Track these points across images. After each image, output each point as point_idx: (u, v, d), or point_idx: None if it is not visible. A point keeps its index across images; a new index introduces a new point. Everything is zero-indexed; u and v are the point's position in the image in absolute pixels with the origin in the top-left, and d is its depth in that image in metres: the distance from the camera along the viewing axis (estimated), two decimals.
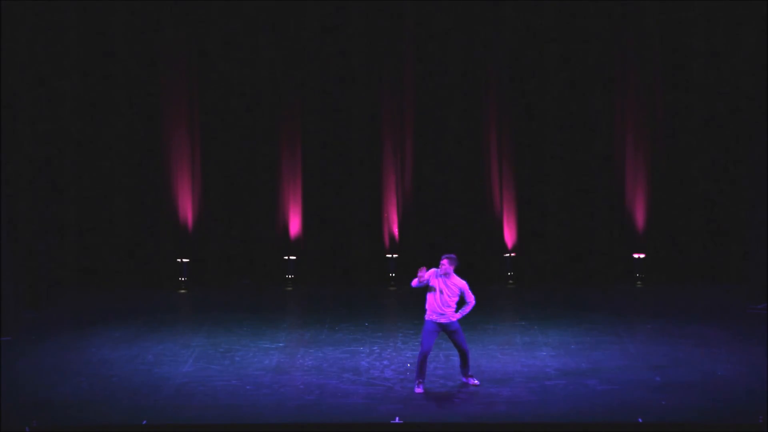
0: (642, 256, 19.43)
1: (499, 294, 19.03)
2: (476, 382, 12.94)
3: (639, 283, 19.33)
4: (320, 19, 19.35)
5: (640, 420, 11.46)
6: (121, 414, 11.90)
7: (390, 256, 19.52)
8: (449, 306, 12.66)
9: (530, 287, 19.25)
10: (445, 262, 12.69)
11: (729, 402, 12.15)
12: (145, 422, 11.52)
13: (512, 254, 19.64)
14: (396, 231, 19.58)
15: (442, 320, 12.68)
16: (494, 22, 19.31)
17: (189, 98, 19.29)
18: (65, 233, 19.16)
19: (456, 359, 14.08)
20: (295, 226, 19.63)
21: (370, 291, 19.04)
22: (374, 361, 14.06)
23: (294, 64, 19.36)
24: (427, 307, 12.78)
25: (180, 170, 19.32)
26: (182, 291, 19.17)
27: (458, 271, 12.39)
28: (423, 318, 12.84)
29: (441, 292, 12.65)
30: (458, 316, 12.71)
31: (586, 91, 19.46)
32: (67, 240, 19.19)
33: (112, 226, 19.39)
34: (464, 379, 13.01)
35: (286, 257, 19.62)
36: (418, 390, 12.74)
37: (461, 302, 12.80)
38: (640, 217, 19.47)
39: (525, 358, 14.20)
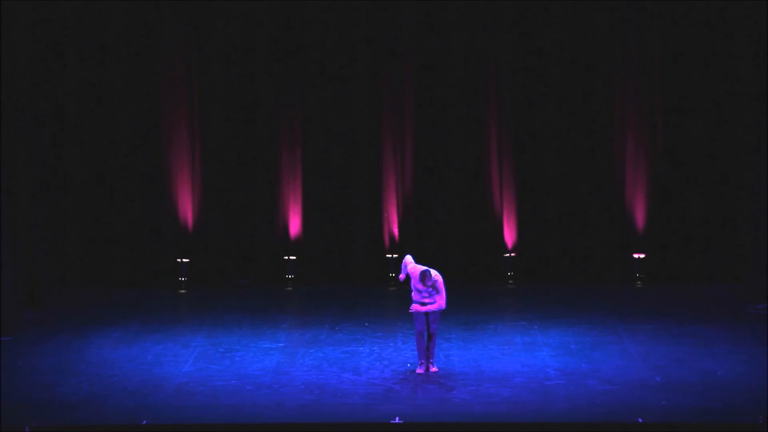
0: (642, 256, 19.42)
1: (499, 294, 19.03)
2: (435, 369, 13.46)
3: (639, 283, 19.32)
4: (320, 19, 19.34)
5: (640, 420, 11.47)
6: (121, 414, 11.90)
7: (390, 256, 19.51)
8: (432, 296, 13.20)
9: (530, 287, 19.24)
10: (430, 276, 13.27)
11: (729, 402, 12.15)
12: (145, 422, 11.53)
13: (512, 254, 19.63)
14: (396, 231, 19.58)
15: (426, 302, 13.17)
16: (495, 21, 19.29)
17: (189, 98, 19.28)
18: (65, 233, 19.15)
19: (455, 359, 14.11)
20: (295, 226, 19.63)
21: (370, 291, 19.03)
22: (374, 361, 14.07)
23: (294, 64, 19.35)
24: (412, 286, 13.33)
25: (180, 170, 19.32)
26: (182, 291, 19.16)
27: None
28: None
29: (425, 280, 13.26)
30: (422, 309, 13.19)
31: (586, 91, 19.44)
32: (67, 240, 19.18)
33: (112, 225, 19.37)
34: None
35: (286, 257, 19.62)
36: (419, 370, 13.29)
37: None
38: (640, 217, 19.46)
39: (525, 358, 14.21)
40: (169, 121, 19.26)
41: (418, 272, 13.21)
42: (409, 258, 13.69)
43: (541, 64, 19.41)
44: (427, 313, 13.26)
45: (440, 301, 13.15)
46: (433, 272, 13.19)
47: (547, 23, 19.30)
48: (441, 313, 13.42)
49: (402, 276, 13.71)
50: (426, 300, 13.18)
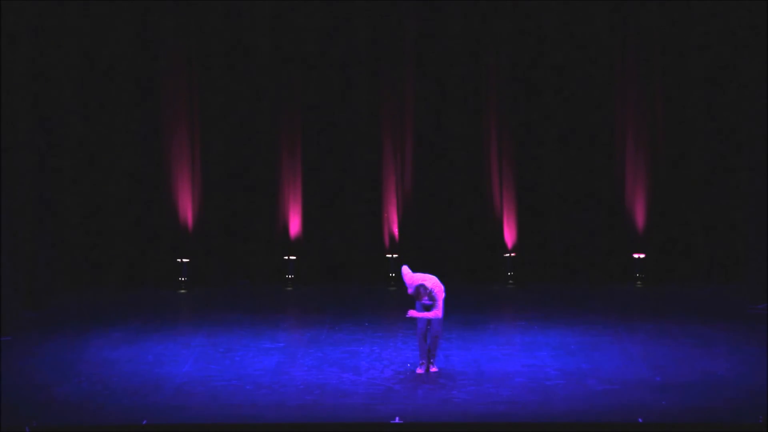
0: (642, 256, 19.42)
1: (499, 294, 19.03)
2: (435, 369, 13.38)
3: (639, 283, 19.32)
4: (320, 19, 19.34)
5: (640, 420, 11.46)
6: (121, 414, 11.90)
7: (390, 256, 19.51)
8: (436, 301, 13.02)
9: (530, 287, 19.24)
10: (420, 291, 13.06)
11: (729, 402, 12.15)
12: (145, 422, 11.53)
13: (512, 254, 19.62)
14: (396, 231, 19.58)
15: (426, 304, 13.04)
16: (495, 23, 19.30)
17: (189, 98, 19.28)
18: (65, 233, 19.14)
19: (455, 359, 14.11)
20: (295, 226, 19.63)
21: (370, 291, 19.03)
22: (374, 361, 14.06)
23: (294, 64, 19.35)
24: None
25: (180, 170, 19.32)
26: (182, 291, 19.16)
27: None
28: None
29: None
30: (418, 314, 13.05)
31: (586, 91, 19.45)
32: (67, 240, 19.17)
33: (111, 225, 19.37)
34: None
35: (286, 257, 19.62)
36: (419, 370, 13.23)
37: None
38: (640, 217, 19.46)
39: (525, 358, 14.20)
40: (169, 122, 19.26)
41: (413, 289, 13.07)
42: (405, 269, 13.43)
43: (541, 64, 19.41)
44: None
45: (436, 311, 13.03)
46: (430, 282, 13.00)
47: (547, 23, 19.30)
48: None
49: (411, 290, 13.29)
50: (428, 303, 13.11)
